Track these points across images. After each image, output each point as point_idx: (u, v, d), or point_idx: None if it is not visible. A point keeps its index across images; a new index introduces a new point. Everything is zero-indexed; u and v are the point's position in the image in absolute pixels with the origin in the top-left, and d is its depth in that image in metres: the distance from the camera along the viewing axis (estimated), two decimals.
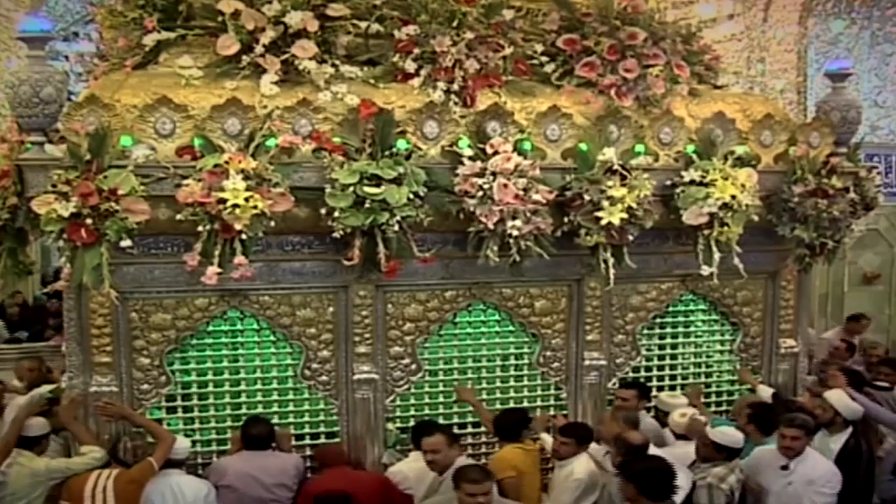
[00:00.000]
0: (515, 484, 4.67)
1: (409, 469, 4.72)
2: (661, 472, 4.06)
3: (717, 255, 5.06)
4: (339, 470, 4.72)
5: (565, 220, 4.89)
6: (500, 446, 5.02)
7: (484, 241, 4.68)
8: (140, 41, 4.83)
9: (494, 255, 4.67)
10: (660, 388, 5.75)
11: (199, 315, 4.79)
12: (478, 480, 4.01)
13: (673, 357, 5.83)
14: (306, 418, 5.07)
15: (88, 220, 4.04)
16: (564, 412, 5.49)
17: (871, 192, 5.89)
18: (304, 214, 4.58)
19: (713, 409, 5.71)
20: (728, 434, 4.74)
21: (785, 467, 4.70)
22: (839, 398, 5.27)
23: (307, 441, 5.07)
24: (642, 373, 5.73)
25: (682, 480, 4.66)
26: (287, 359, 5.02)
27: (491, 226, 4.60)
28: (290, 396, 5.06)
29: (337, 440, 5.06)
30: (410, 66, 4.86)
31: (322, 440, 5.07)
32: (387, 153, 4.53)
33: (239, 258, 4.24)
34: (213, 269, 4.24)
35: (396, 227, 4.48)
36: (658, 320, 5.75)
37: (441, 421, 5.25)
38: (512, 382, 5.44)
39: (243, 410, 4.97)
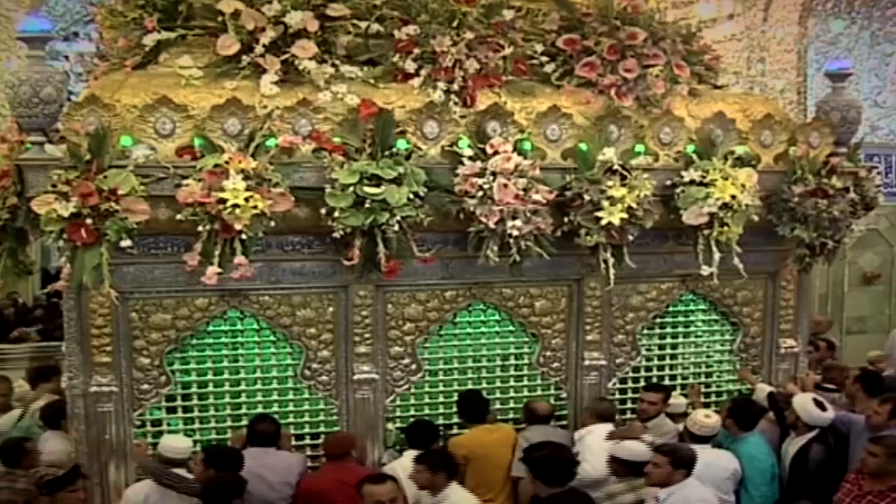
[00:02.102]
0: (461, 470, 4.75)
1: (402, 468, 4.72)
2: (555, 459, 4.33)
3: (717, 255, 5.06)
4: (339, 466, 4.69)
5: (565, 220, 4.89)
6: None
7: (484, 241, 4.68)
8: (140, 41, 4.83)
9: (494, 255, 4.67)
10: None
11: (199, 315, 4.79)
12: None
13: (673, 357, 5.83)
14: (306, 418, 5.07)
15: (88, 220, 4.04)
16: (564, 412, 5.49)
17: (871, 192, 5.87)
18: (304, 214, 4.58)
19: (713, 409, 5.69)
20: (627, 448, 4.63)
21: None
22: (800, 402, 5.23)
23: (307, 441, 5.07)
24: (642, 373, 5.73)
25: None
26: (287, 359, 5.02)
27: (491, 226, 4.60)
28: (290, 396, 5.06)
29: None
30: (410, 66, 4.86)
31: (322, 441, 5.06)
32: (387, 153, 4.53)
33: (239, 258, 4.25)
34: (213, 269, 4.24)
35: (396, 227, 4.48)
36: (658, 320, 5.74)
37: (441, 421, 5.25)
38: (512, 382, 5.44)
39: (243, 410, 4.97)
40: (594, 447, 4.87)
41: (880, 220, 10.39)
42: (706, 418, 5.03)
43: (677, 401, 5.55)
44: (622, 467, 4.60)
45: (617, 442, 4.76)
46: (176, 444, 4.61)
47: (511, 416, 5.37)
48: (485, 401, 5.20)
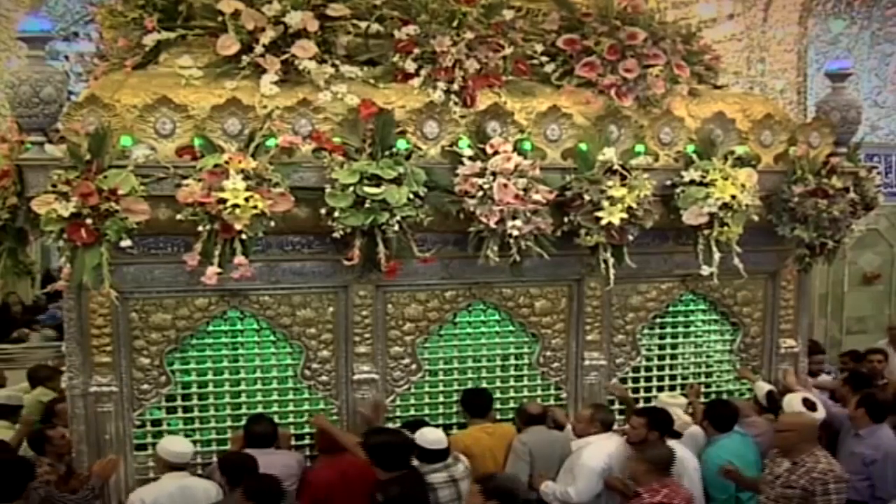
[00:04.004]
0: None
1: None
2: (392, 445, 4.44)
3: (717, 255, 5.06)
4: (339, 457, 4.70)
5: (565, 220, 4.89)
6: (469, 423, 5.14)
7: (484, 241, 4.68)
8: (140, 41, 4.84)
9: (494, 255, 4.67)
10: (660, 389, 5.76)
11: (199, 315, 4.79)
12: None
13: (673, 357, 5.83)
14: (306, 418, 5.07)
15: (88, 220, 4.04)
16: (564, 412, 5.49)
17: (871, 192, 5.87)
18: (304, 214, 4.58)
19: None
20: (423, 434, 4.63)
21: None
22: (788, 402, 5.26)
23: (307, 441, 5.07)
24: (642, 373, 5.73)
25: None
26: (287, 359, 5.02)
27: (491, 226, 4.60)
28: (290, 396, 5.06)
29: None
30: (410, 66, 4.86)
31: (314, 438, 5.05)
32: (387, 153, 4.53)
33: (239, 258, 4.24)
34: (213, 269, 4.24)
35: (396, 227, 4.48)
36: (658, 320, 5.75)
37: (440, 421, 5.25)
38: (512, 382, 5.44)
39: (243, 410, 4.96)
40: (588, 467, 4.77)
41: (880, 220, 10.37)
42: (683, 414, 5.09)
43: (677, 401, 5.54)
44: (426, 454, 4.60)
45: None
46: (177, 447, 4.58)
47: (511, 416, 5.36)
48: (488, 397, 5.23)
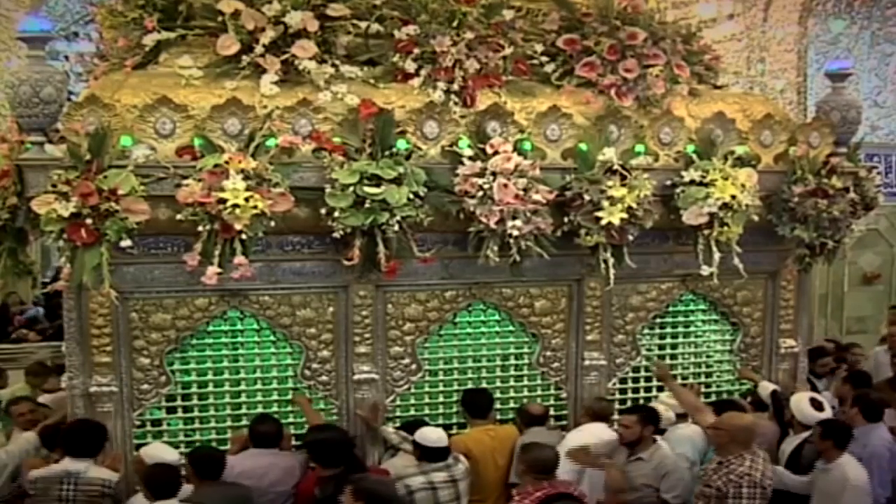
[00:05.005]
0: None
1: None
2: (331, 443, 4.51)
3: (717, 255, 5.06)
4: None
5: (565, 220, 4.89)
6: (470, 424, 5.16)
7: (484, 241, 4.68)
8: (140, 41, 4.83)
9: (494, 255, 4.67)
10: (660, 389, 5.75)
11: (199, 315, 4.79)
12: None
13: (673, 357, 5.82)
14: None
15: (88, 220, 4.04)
16: (564, 412, 5.49)
17: (871, 192, 5.87)
18: (304, 214, 4.58)
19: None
20: (423, 434, 4.66)
21: None
22: (796, 401, 5.27)
23: None
24: (642, 373, 5.73)
25: None
26: (287, 359, 5.02)
27: (491, 226, 4.60)
28: (290, 396, 5.05)
29: None
30: (410, 66, 4.85)
31: None
32: (387, 153, 4.53)
33: (239, 258, 4.24)
34: (213, 269, 4.24)
35: (396, 227, 4.48)
36: (658, 320, 5.74)
37: (441, 421, 5.25)
38: (512, 382, 5.44)
39: (243, 410, 4.97)
40: (566, 446, 4.80)
41: (880, 220, 10.38)
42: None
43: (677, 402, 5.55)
44: (416, 450, 4.64)
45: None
46: (167, 455, 4.48)
47: (511, 416, 5.36)
48: (489, 397, 5.23)
